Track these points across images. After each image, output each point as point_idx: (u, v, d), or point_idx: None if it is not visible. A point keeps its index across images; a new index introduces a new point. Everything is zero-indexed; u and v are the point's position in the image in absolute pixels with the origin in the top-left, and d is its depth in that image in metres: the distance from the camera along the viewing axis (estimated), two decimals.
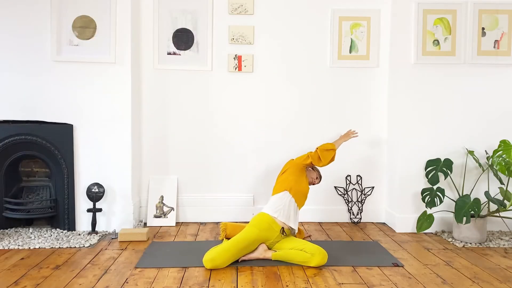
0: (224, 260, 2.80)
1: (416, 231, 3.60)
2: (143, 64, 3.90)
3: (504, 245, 3.35)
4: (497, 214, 3.51)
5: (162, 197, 3.89)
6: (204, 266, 2.81)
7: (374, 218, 4.02)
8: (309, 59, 3.95)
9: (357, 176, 4.01)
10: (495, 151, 3.46)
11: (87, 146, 3.60)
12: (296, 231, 3.14)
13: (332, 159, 3.23)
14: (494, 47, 3.66)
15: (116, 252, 3.14)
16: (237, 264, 2.86)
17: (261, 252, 2.94)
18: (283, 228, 3.01)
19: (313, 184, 3.33)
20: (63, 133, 3.55)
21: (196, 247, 3.20)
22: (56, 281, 2.59)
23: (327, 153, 3.20)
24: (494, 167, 3.45)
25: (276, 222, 3.00)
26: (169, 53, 3.89)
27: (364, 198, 3.98)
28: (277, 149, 3.98)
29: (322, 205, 4.00)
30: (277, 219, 3.01)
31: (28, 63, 3.52)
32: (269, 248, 2.99)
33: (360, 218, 3.97)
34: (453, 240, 3.45)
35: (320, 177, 3.37)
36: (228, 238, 3.21)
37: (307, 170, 3.28)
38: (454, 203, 3.48)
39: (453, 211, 3.44)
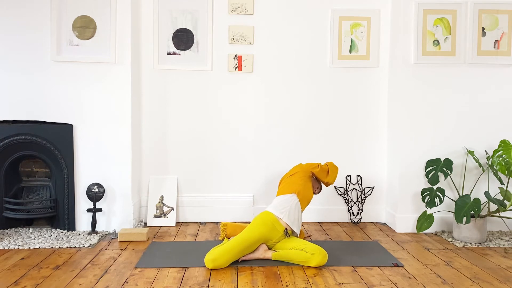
0: (225, 260, 2.80)
1: (416, 231, 3.60)
2: (143, 64, 3.90)
3: (504, 245, 3.35)
4: (497, 214, 3.51)
5: (162, 197, 3.89)
6: (204, 266, 2.81)
7: (374, 218, 4.02)
8: (309, 59, 3.95)
9: (357, 176, 4.01)
10: (495, 151, 3.46)
11: (87, 146, 3.60)
12: (298, 234, 3.13)
13: (334, 180, 3.31)
14: (494, 47, 3.66)
15: (116, 252, 3.14)
16: (237, 264, 2.86)
17: (261, 252, 2.94)
18: (286, 229, 3.01)
19: (314, 193, 3.34)
20: (63, 133, 3.55)
21: (196, 247, 3.20)
22: (56, 281, 2.59)
23: (335, 169, 3.30)
24: (494, 167, 3.45)
25: (280, 223, 3.00)
26: (169, 53, 3.89)
27: (364, 198, 3.98)
28: (277, 149, 3.98)
29: (322, 205, 4.00)
30: (282, 220, 3.01)
31: (28, 63, 3.52)
32: (269, 248, 2.99)
33: (360, 218, 3.97)
34: (453, 240, 3.45)
35: (321, 187, 3.40)
36: (229, 238, 3.22)
37: (312, 179, 3.28)
38: (454, 203, 3.48)
39: (453, 211, 3.44)
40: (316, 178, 3.34)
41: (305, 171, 3.25)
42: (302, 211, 3.14)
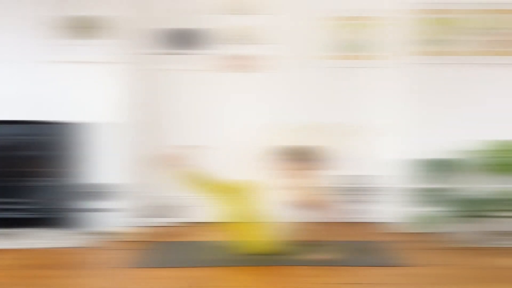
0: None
1: (416, 231, 3.60)
2: (143, 64, 3.90)
3: (504, 245, 3.35)
4: (497, 214, 3.51)
5: (163, 196, 3.89)
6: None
7: (374, 217, 4.01)
8: (309, 59, 3.95)
9: (357, 176, 4.01)
10: (495, 151, 3.46)
11: (87, 146, 3.60)
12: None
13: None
14: (495, 47, 3.66)
15: (116, 252, 3.14)
16: (237, 264, 2.86)
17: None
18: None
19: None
20: (63, 133, 3.55)
21: (196, 247, 3.20)
22: (56, 281, 2.59)
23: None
24: (494, 167, 3.45)
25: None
26: (168, 53, 3.89)
27: (365, 198, 3.98)
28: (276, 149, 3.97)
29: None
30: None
31: (27, 63, 3.53)
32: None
33: (360, 218, 3.97)
34: (453, 240, 3.45)
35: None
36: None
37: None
38: (454, 203, 3.48)
39: (453, 211, 3.44)
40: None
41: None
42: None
